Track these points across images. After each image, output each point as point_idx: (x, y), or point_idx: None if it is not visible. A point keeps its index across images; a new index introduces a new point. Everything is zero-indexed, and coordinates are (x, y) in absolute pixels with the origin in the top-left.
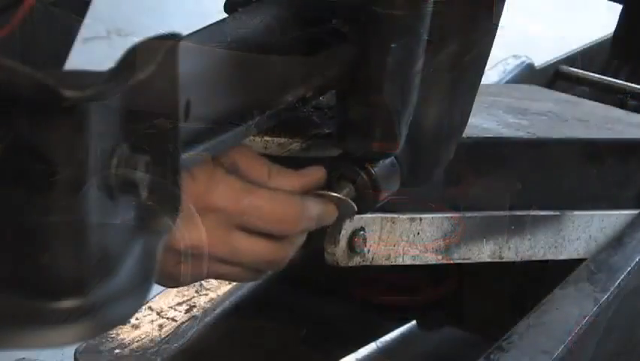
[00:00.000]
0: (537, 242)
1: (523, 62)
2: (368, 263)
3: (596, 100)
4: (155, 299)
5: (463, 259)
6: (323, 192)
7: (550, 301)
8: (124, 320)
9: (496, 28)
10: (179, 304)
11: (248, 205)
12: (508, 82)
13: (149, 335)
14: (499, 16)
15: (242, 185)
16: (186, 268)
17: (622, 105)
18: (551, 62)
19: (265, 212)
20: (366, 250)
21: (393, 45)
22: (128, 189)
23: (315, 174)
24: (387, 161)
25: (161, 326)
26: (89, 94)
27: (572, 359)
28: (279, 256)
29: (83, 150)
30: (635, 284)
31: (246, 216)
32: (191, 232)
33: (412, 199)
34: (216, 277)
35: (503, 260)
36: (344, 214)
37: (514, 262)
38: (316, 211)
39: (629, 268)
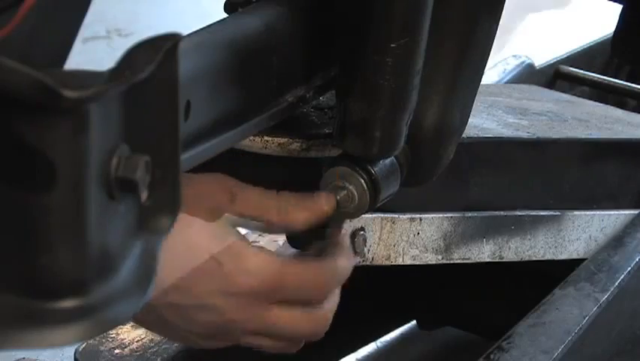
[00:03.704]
0: (537, 242)
1: (523, 62)
2: (368, 263)
3: (596, 100)
4: None
5: (463, 259)
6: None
7: (550, 301)
8: (124, 320)
9: (497, 27)
10: None
11: (280, 282)
12: (508, 82)
13: (149, 335)
14: (500, 15)
15: (270, 261)
16: (220, 341)
17: (622, 105)
18: (551, 62)
19: (299, 284)
20: (366, 250)
21: (393, 45)
22: (128, 189)
23: (328, 201)
24: (387, 161)
25: None
26: (89, 94)
27: (572, 359)
28: (320, 323)
29: (83, 150)
30: (635, 284)
31: (280, 293)
32: (224, 309)
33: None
34: (254, 348)
35: (503, 260)
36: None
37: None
38: (345, 267)
39: (629, 268)
